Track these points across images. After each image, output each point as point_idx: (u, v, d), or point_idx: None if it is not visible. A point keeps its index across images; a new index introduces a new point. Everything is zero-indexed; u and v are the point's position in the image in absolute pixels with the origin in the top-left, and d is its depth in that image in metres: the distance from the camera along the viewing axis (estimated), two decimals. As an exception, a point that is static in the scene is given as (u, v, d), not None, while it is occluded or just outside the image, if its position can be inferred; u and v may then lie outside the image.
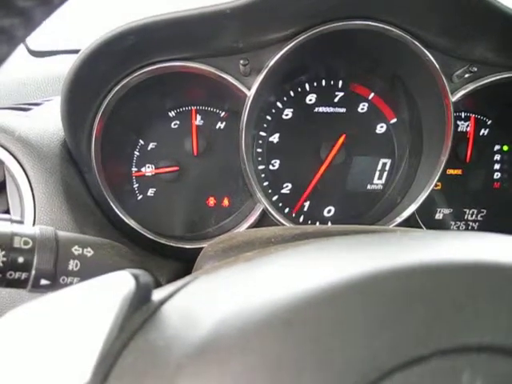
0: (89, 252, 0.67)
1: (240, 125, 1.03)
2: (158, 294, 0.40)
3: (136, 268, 0.76)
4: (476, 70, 1.00)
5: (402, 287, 0.34)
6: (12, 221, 0.65)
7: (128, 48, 0.91)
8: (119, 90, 1.00)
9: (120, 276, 0.39)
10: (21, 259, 0.59)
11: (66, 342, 0.33)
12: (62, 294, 0.38)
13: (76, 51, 1.30)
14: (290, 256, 0.47)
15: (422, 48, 0.98)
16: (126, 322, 0.35)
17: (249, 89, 1.01)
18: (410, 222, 1.13)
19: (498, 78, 1.03)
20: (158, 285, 0.76)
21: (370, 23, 0.97)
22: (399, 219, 1.11)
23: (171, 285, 0.44)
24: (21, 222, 0.72)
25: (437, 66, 1.00)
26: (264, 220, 1.13)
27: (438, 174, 1.08)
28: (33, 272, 0.60)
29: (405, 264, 0.36)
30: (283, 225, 1.10)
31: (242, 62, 0.96)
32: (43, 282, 0.62)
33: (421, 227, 1.14)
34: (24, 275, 0.60)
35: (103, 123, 1.03)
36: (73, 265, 0.65)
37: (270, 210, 1.09)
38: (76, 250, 0.66)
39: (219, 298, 0.38)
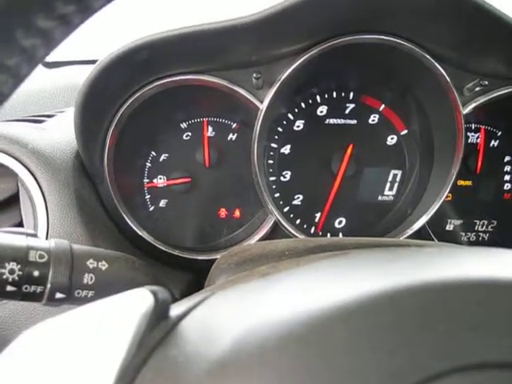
0: (103, 265, 0.67)
1: (252, 137, 1.03)
2: (175, 310, 0.40)
3: (150, 281, 0.77)
4: (487, 83, 1.00)
5: (419, 305, 0.33)
6: (27, 234, 0.66)
7: (142, 62, 0.92)
8: (133, 102, 1.00)
9: (138, 293, 0.39)
10: (36, 273, 0.59)
11: (86, 358, 0.33)
12: (82, 310, 0.39)
13: (89, 61, 1.33)
14: (305, 272, 0.47)
15: (434, 62, 0.98)
16: (145, 339, 0.35)
17: (261, 102, 1.01)
18: (421, 234, 1.13)
19: (509, 90, 1.03)
20: (172, 297, 0.76)
21: (382, 37, 0.97)
22: (410, 231, 1.11)
23: (188, 299, 0.44)
24: (35, 236, 0.73)
25: (448, 79, 0.99)
26: (276, 232, 1.12)
27: (449, 186, 1.07)
28: (48, 285, 0.60)
29: (421, 281, 0.35)
30: (295, 236, 1.09)
31: (254, 75, 0.97)
32: (58, 295, 0.62)
33: (432, 239, 1.14)
34: (39, 289, 0.60)
35: (116, 135, 1.03)
36: (88, 278, 0.65)
37: (282, 221, 1.08)
38: (91, 264, 0.66)
39: (237, 314, 0.37)
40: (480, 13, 0.86)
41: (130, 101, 1.00)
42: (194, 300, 0.44)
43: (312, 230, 1.22)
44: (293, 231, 1.09)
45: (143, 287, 0.40)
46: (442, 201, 1.08)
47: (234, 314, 0.38)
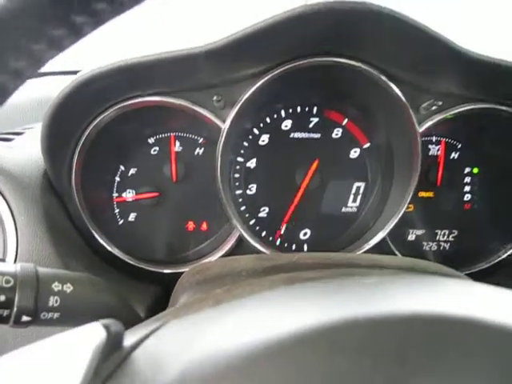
0: (68, 288, 0.72)
1: (216, 156, 1.09)
2: (129, 340, 0.44)
3: (115, 301, 0.82)
4: (441, 103, 1.07)
5: (350, 340, 0.38)
6: (-7, 259, 0.70)
7: (105, 86, 0.97)
8: (98, 123, 1.05)
9: (91, 327, 0.44)
10: (2, 297, 0.63)
11: None
12: (35, 347, 0.42)
13: (65, 72, 1.37)
14: (251, 303, 0.52)
15: (388, 82, 1.04)
16: (99, 370, 0.38)
17: (223, 121, 1.07)
18: (381, 245, 1.19)
19: (463, 109, 1.09)
20: (136, 316, 0.80)
21: (336, 60, 1.03)
22: (372, 242, 1.17)
23: (143, 327, 0.49)
24: (2, 260, 0.77)
25: (403, 99, 1.06)
26: (240, 245, 1.18)
27: (408, 200, 1.14)
28: (14, 309, 0.64)
29: (354, 317, 0.40)
30: (259, 250, 1.15)
31: (215, 98, 1.02)
32: (24, 318, 0.66)
33: (392, 250, 1.20)
34: (6, 312, 0.64)
35: (83, 154, 1.08)
36: (53, 301, 0.69)
37: (245, 236, 1.14)
38: (56, 287, 0.70)
39: (184, 346, 0.42)
40: (423, 36, 0.93)
41: (95, 122, 1.05)
42: (146, 329, 0.48)
43: (278, 242, 1.28)
44: (258, 245, 1.15)
45: (96, 321, 0.44)
46: (401, 213, 1.15)
47: (181, 345, 0.42)
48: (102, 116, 1.05)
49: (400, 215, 1.15)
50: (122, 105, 1.05)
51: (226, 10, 1.59)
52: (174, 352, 0.41)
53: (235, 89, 1.05)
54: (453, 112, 1.10)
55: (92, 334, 0.41)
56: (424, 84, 1.06)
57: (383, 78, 1.04)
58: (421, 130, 1.10)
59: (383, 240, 1.18)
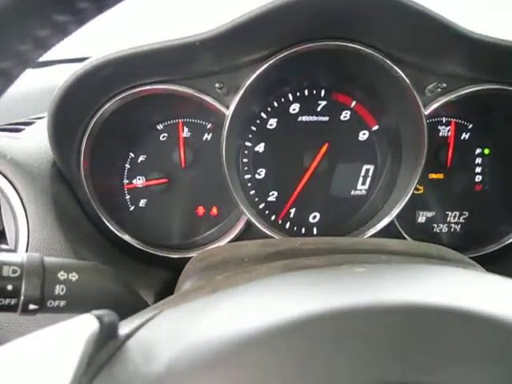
0: (74, 276, 0.74)
1: (221, 141, 1.10)
2: (125, 328, 0.46)
3: (120, 288, 0.84)
4: (445, 85, 1.06)
5: (338, 327, 0.39)
6: (1, 250, 0.73)
7: (107, 76, 0.99)
8: (105, 111, 1.07)
9: (84, 318, 0.45)
10: (10, 287, 0.66)
11: (35, 380, 0.38)
12: (29, 338, 0.43)
13: (78, 60, 1.39)
14: (243, 293, 0.53)
15: (392, 64, 1.04)
16: (93, 359, 0.40)
17: (227, 108, 1.08)
18: (390, 229, 1.20)
19: (469, 90, 1.09)
20: (143, 302, 0.83)
21: (339, 43, 1.03)
22: (380, 226, 1.18)
23: (140, 316, 0.51)
24: (11, 250, 0.80)
25: (407, 81, 1.06)
26: (249, 230, 1.20)
27: (416, 182, 1.14)
28: (21, 298, 0.67)
29: (341, 306, 0.41)
30: (267, 235, 1.17)
31: (217, 85, 1.04)
32: (32, 306, 0.69)
33: (401, 233, 1.21)
34: (13, 301, 0.67)
35: (91, 142, 1.10)
36: (59, 289, 0.71)
37: (253, 220, 1.16)
38: (61, 276, 0.72)
39: (178, 334, 0.43)
40: (425, 19, 0.92)
41: (102, 111, 1.07)
42: (143, 317, 0.50)
43: (287, 226, 1.29)
44: (266, 230, 1.17)
45: (89, 313, 0.45)
46: (408, 196, 1.15)
47: (172, 334, 0.44)
48: (107, 104, 1.07)
49: (407, 198, 1.15)
50: (127, 93, 1.07)
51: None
52: (165, 340, 0.42)
53: (238, 75, 1.06)
54: (459, 94, 1.10)
55: (84, 325, 0.43)
56: (429, 66, 1.06)
57: (387, 60, 1.04)
58: (427, 112, 1.10)
59: (391, 223, 1.19)
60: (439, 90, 1.08)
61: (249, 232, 1.21)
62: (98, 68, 0.95)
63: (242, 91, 1.06)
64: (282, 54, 1.03)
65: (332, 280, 0.54)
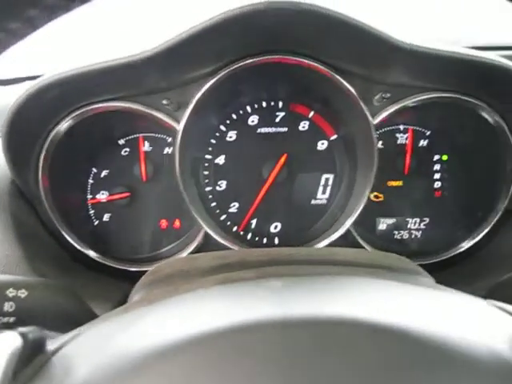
0: (23, 293, 0.76)
1: (174, 157, 1.12)
2: (53, 345, 0.48)
3: (71, 303, 0.86)
4: (389, 95, 1.09)
5: (236, 343, 0.41)
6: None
7: (58, 95, 1.02)
8: (60, 129, 1.10)
9: (7, 336, 0.45)
10: None
11: None
12: None
13: (29, 78, 1.41)
14: (159, 309, 0.55)
15: (337, 76, 1.07)
16: (19, 375, 0.40)
17: (179, 123, 1.11)
18: (347, 237, 1.22)
19: (416, 99, 1.11)
20: (94, 317, 0.84)
21: (282, 57, 1.05)
22: (336, 234, 1.19)
23: (67, 334, 0.53)
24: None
25: (353, 91, 1.08)
26: (209, 242, 1.22)
27: (367, 191, 1.16)
28: None
29: (242, 321, 0.43)
30: (226, 246, 1.19)
31: (164, 101, 1.06)
32: (-19, 323, 0.72)
33: (358, 241, 1.23)
34: None
35: (49, 160, 1.13)
36: (7, 306, 0.74)
37: (211, 232, 1.18)
38: (10, 293, 0.75)
39: (96, 348, 0.46)
40: (353, 30, 0.95)
41: (58, 127, 1.10)
42: (70, 334, 0.52)
43: (249, 236, 1.32)
44: (223, 241, 1.19)
45: (13, 330, 0.46)
46: (363, 204, 1.17)
47: (93, 348, 0.46)
48: (62, 122, 1.10)
49: (361, 206, 1.17)
50: (81, 111, 1.09)
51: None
52: (84, 356, 0.44)
53: (186, 91, 1.09)
54: (406, 103, 1.12)
55: (6, 342, 0.44)
56: (375, 76, 1.08)
57: (331, 72, 1.07)
58: (375, 121, 1.12)
59: (349, 231, 1.21)
60: (385, 100, 1.09)
61: (208, 244, 1.23)
62: (47, 87, 0.98)
63: (191, 106, 1.09)
64: (228, 69, 1.06)
65: (245, 295, 0.56)
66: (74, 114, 1.10)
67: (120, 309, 0.65)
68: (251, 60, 1.06)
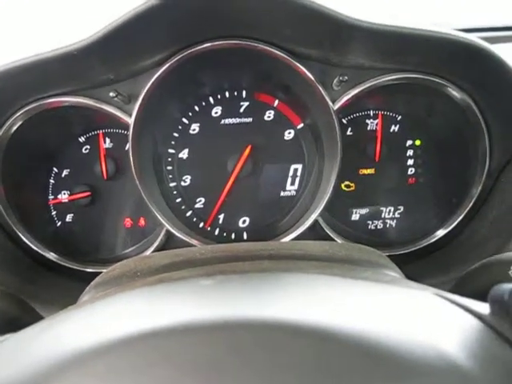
0: None
1: (128, 152, 1.09)
2: None
3: (11, 308, 0.84)
4: (347, 78, 1.04)
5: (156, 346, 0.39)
6: None
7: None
8: (8, 127, 1.07)
9: None
10: None
11: None
12: None
13: None
14: (86, 313, 0.53)
15: (293, 60, 1.03)
16: None
17: (130, 116, 1.07)
18: (316, 229, 1.18)
19: (377, 81, 1.07)
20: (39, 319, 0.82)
21: (235, 41, 1.02)
22: (303, 227, 1.16)
23: None
24: None
25: (310, 76, 1.04)
26: (172, 239, 1.19)
27: (334, 179, 1.12)
28: None
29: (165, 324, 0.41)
30: (189, 244, 1.15)
31: (111, 93, 1.02)
32: None
33: (327, 233, 1.18)
34: None
35: (0, 160, 1.09)
36: None
37: (171, 230, 1.15)
38: None
39: (14, 358, 0.43)
40: (302, 8, 0.90)
41: (5, 125, 1.06)
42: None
43: (217, 232, 1.28)
44: (185, 238, 1.15)
45: None
46: (329, 194, 1.13)
47: (12, 358, 0.44)
48: (10, 120, 1.06)
49: (327, 197, 1.13)
50: (28, 108, 1.06)
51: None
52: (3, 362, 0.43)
53: (136, 81, 1.05)
54: (367, 86, 1.07)
55: None
56: (332, 59, 1.04)
57: (287, 57, 1.03)
58: (336, 106, 1.08)
59: (317, 223, 1.17)
60: (343, 83, 1.05)
61: (173, 242, 1.19)
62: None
63: (140, 98, 1.05)
64: (176, 58, 1.02)
65: (168, 295, 0.54)
66: (23, 110, 1.06)
67: (62, 311, 0.64)
68: (199, 47, 1.02)
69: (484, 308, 0.46)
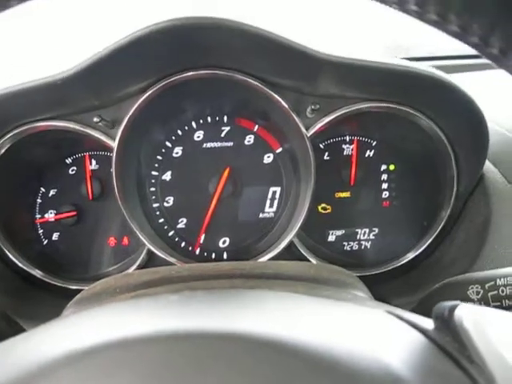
0: None
1: (112, 174, 1.15)
2: None
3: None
4: (319, 106, 1.11)
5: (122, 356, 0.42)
6: None
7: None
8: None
9: None
10: None
11: None
12: None
13: None
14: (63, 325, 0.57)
15: (268, 90, 1.09)
16: None
17: (114, 140, 1.13)
18: (292, 250, 1.23)
19: (348, 110, 1.13)
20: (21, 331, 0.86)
21: (213, 72, 1.08)
22: (279, 248, 1.21)
23: None
24: None
25: (285, 104, 1.10)
26: (154, 258, 1.24)
27: (308, 203, 1.17)
28: None
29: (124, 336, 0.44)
30: (170, 263, 1.21)
31: (95, 119, 1.09)
32: None
33: (302, 254, 1.24)
34: None
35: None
36: None
37: (153, 249, 1.20)
38: None
39: None
40: (280, 46, 0.97)
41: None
42: None
43: (197, 252, 1.33)
44: (166, 257, 1.21)
45: None
46: (303, 216, 1.18)
47: None
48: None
49: (302, 219, 1.18)
50: (16, 131, 1.12)
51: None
52: None
53: (120, 108, 1.11)
54: (338, 114, 1.13)
55: None
56: (304, 88, 1.10)
57: (262, 86, 1.09)
58: (310, 133, 1.14)
59: (292, 244, 1.22)
60: (316, 111, 1.11)
61: (155, 260, 1.24)
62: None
63: (123, 123, 1.11)
64: (157, 86, 1.08)
65: (140, 308, 0.58)
66: (10, 134, 1.12)
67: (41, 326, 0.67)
68: (179, 76, 1.08)
69: (428, 324, 0.50)
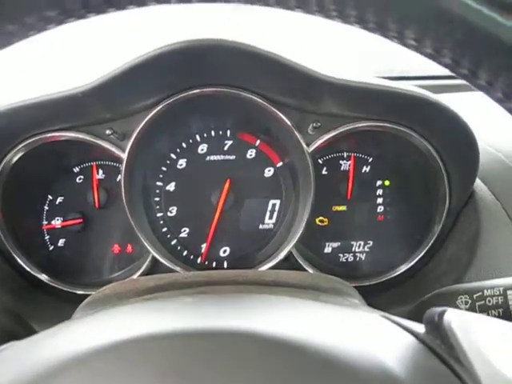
0: None
1: (120, 185, 1.21)
2: None
3: (10, 321, 0.93)
4: (320, 124, 1.17)
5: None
6: None
7: (3, 127, 1.10)
8: (9, 159, 1.19)
9: None
10: None
11: None
12: None
13: None
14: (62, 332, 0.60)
15: (271, 107, 1.15)
16: None
17: (124, 152, 1.19)
18: (290, 260, 1.29)
19: (348, 128, 1.20)
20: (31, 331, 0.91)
21: (218, 89, 1.15)
22: (278, 258, 1.27)
23: None
24: None
25: (287, 122, 1.17)
26: (157, 265, 1.30)
27: (307, 216, 1.23)
28: None
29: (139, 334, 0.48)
30: (174, 270, 1.26)
31: (107, 131, 1.15)
32: None
33: (300, 264, 1.30)
34: None
35: (1, 189, 1.21)
36: None
37: (157, 257, 1.25)
38: None
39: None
40: (284, 68, 1.04)
41: (7, 157, 1.18)
42: None
43: (198, 261, 1.39)
44: (169, 265, 1.26)
45: None
46: (302, 228, 1.25)
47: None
48: (12, 152, 1.18)
49: (300, 231, 1.24)
50: (30, 141, 1.18)
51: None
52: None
53: (131, 121, 1.18)
54: (338, 131, 1.20)
55: None
56: (307, 107, 1.17)
57: (266, 104, 1.15)
58: (310, 149, 1.20)
59: (291, 255, 1.28)
60: (317, 129, 1.18)
61: (158, 268, 1.30)
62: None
63: (134, 136, 1.17)
64: (167, 102, 1.14)
65: (153, 310, 0.63)
66: (24, 144, 1.18)
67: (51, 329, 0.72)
68: (187, 93, 1.15)
69: (420, 328, 0.55)
